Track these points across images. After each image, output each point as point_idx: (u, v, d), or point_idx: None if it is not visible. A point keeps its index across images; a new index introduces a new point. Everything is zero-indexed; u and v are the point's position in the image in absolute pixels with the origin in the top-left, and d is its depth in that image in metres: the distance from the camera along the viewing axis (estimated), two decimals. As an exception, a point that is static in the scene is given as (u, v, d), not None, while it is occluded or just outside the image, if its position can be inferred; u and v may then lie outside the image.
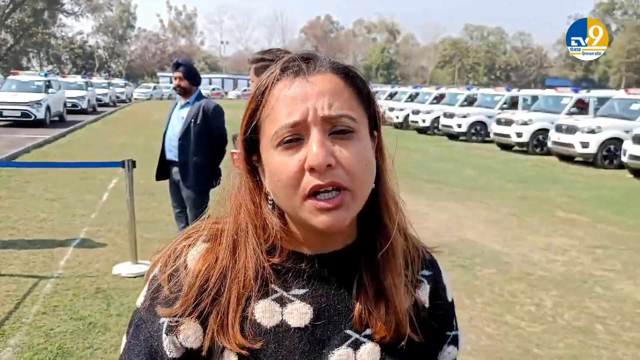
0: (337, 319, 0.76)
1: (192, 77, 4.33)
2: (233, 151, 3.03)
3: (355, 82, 0.75)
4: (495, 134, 17.54)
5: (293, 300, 0.76)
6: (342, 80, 0.73)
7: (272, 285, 0.76)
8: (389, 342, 0.77)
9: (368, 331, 0.77)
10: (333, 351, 0.75)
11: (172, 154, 4.38)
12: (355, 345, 0.76)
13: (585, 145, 13.60)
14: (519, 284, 4.78)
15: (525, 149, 16.26)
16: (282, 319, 0.75)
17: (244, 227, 0.76)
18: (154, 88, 48.15)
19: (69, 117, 21.16)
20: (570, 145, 13.94)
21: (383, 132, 0.79)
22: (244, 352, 0.72)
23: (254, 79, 2.75)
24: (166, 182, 4.57)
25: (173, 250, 0.78)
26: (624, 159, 12.32)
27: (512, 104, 19.71)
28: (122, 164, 4.83)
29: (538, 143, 16.08)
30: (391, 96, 28.03)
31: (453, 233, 6.45)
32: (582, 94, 17.34)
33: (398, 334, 0.76)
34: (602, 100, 16.13)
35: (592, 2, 77.76)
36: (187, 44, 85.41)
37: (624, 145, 12.42)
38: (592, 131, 13.56)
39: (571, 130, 13.98)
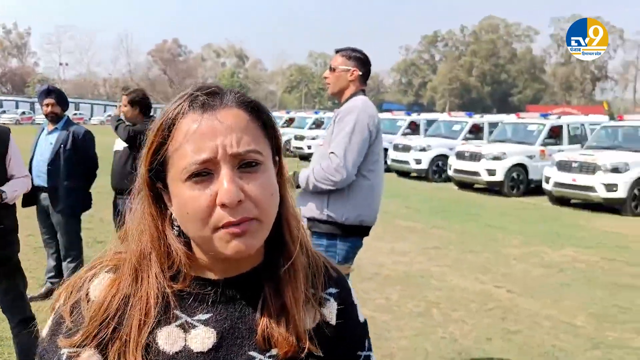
0: (240, 341, 0.77)
1: (64, 103, 4.41)
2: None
3: (260, 116, 0.77)
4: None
5: (196, 326, 0.76)
6: (248, 114, 0.75)
7: (176, 311, 0.76)
8: (293, 358, 0.77)
9: (273, 351, 0.77)
10: None
11: (40, 180, 4.35)
12: None
13: (418, 162, 15.37)
14: (369, 282, 5.49)
15: (369, 167, 17.74)
16: (185, 345, 0.75)
17: (147, 254, 0.76)
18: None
19: None
20: (406, 162, 15.67)
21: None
22: None
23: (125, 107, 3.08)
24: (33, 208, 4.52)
25: (76, 282, 0.78)
26: (450, 172, 14.19)
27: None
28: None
29: (379, 161, 17.70)
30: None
31: (311, 245, 7.05)
32: (414, 117, 19.57)
33: (301, 350, 0.77)
34: (430, 122, 18.34)
35: (419, 34, 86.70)
36: (20, 64, 78.02)
37: (449, 161, 14.31)
38: (424, 149, 15.39)
39: (406, 148, 15.73)
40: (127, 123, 4.27)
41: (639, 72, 63.66)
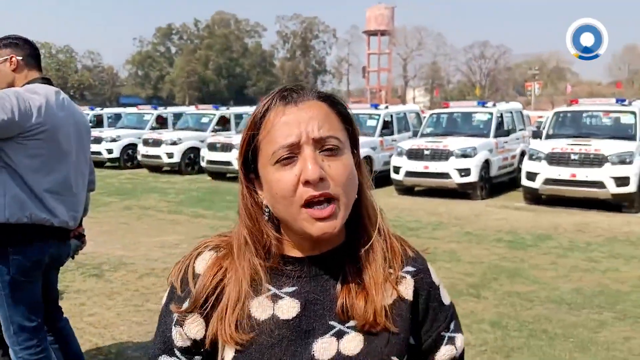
0: (321, 312, 0.87)
1: None
2: None
3: (338, 108, 0.88)
4: (84, 153, 17.51)
5: (283, 297, 0.87)
6: (327, 106, 0.86)
7: (267, 285, 0.88)
8: (371, 332, 0.86)
9: (352, 323, 0.87)
10: (317, 339, 0.86)
11: None
12: (339, 335, 0.86)
13: (170, 155, 15.28)
14: (149, 278, 5.49)
15: (117, 164, 16.89)
16: (273, 313, 0.86)
17: (243, 238, 0.89)
18: None
19: None
20: (158, 157, 15.44)
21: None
22: (237, 346, 0.86)
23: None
24: None
25: (185, 260, 0.94)
26: (203, 164, 14.52)
27: (97, 122, 19.91)
28: None
29: (128, 157, 17.01)
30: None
31: (73, 249, 6.59)
32: (161, 110, 19.25)
33: (377, 323, 0.86)
34: (177, 116, 18.33)
35: (153, 26, 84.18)
36: None
37: (202, 153, 14.62)
38: (175, 143, 15.36)
39: (157, 143, 15.46)
40: None
41: (351, 66, 73.66)
